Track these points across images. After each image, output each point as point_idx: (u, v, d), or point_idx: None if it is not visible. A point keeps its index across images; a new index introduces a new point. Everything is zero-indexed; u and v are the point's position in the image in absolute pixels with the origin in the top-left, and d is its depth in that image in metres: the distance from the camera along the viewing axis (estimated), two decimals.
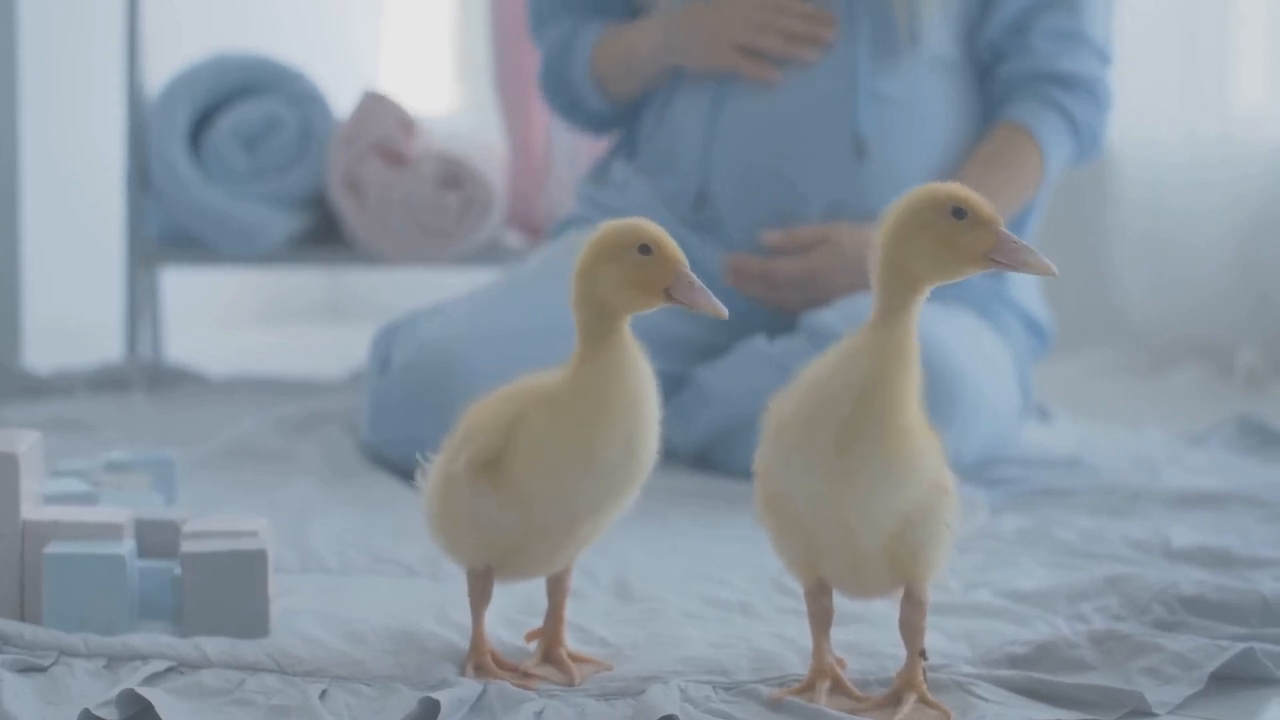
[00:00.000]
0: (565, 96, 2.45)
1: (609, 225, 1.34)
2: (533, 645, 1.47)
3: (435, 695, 1.31)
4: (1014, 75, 2.30)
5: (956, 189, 1.28)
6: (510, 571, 1.42)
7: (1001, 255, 1.26)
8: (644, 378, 1.35)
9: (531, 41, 2.49)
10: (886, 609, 1.49)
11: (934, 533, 1.32)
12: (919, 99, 2.27)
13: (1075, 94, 2.29)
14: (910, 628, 1.35)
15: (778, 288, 2.22)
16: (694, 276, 1.32)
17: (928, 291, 1.29)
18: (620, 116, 2.46)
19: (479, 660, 1.41)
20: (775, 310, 2.26)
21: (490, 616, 1.47)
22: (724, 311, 1.32)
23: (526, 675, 1.41)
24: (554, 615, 1.46)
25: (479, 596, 1.42)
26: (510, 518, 1.38)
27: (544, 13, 2.46)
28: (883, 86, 2.25)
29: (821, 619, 1.37)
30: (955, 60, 2.30)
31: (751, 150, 2.27)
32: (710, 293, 1.32)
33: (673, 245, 1.33)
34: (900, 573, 1.34)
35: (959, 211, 1.27)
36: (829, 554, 1.34)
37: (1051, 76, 2.29)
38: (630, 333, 1.35)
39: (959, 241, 1.27)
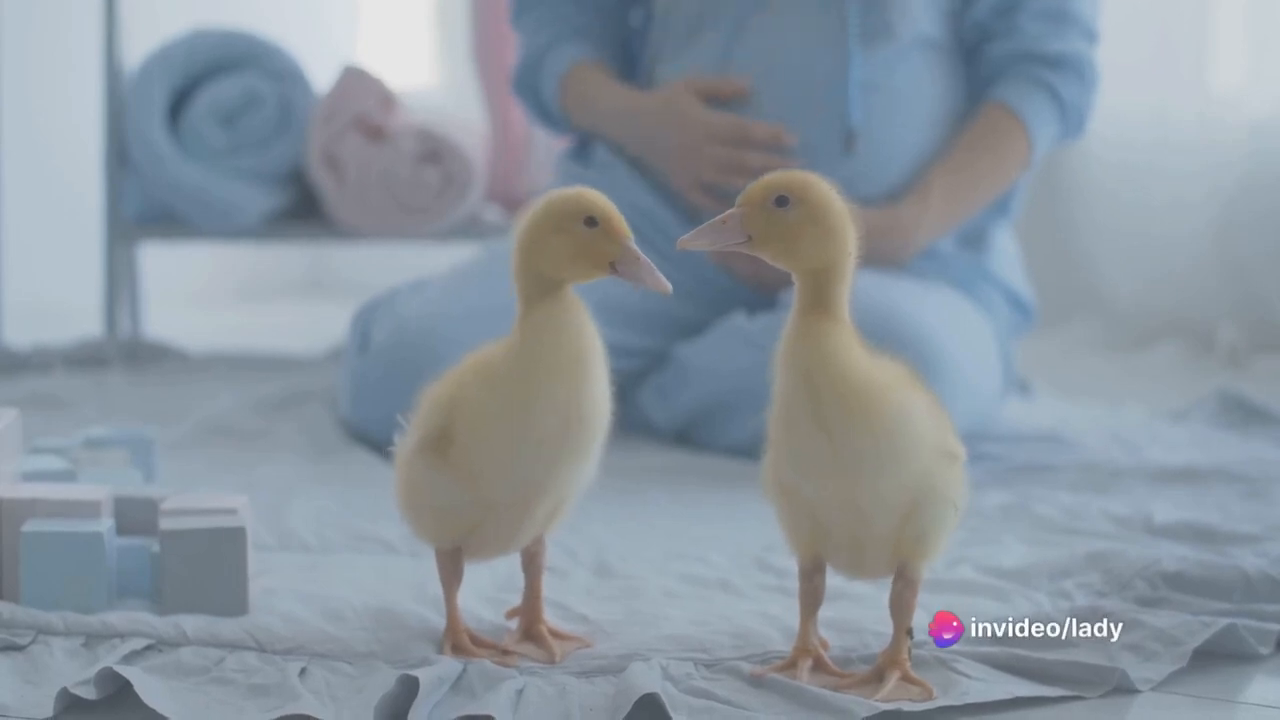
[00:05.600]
0: (535, 105, 2.43)
1: (554, 195, 1.34)
2: (513, 623, 1.47)
3: (414, 673, 1.31)
4: (1001, 56, 2.29)
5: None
6: (476, 551, 1.42)
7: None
8: (585, 343, 1.34)
9: (512, 28, 2.47)
10: (871, 587, 1.49)
11: (941, 515, 1.33)
12: (905, 83, 2.26)
13: (1063, 74, 2.28)
14: (901, 605, 1.35)
15: (764, 264, 2.20)
16: (639, 252, 1.32)
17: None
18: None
19: (456, 640, 1.41)
20: (759, 287, 2.25)
21: (469, 594, 1.47)
22: (668, 288, 1.32)
23: (506, 653, 1.40)
24: (531, 592, 1.45)
25: (450, 576, 1.42)
26: (465, 496, 1.37)
27: (527, 2, 2.43)
28: (871, 73, 2.24)
29: (811, 599, 1.37)
30: (940, 41, 2.29)
31: None
32: (655, 269, 1.32)
33: (619, 219, 1.33)
34: (902, 554, 1.33)
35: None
36: (835, 536, 1.34)
37: (1039, 57, 2.28)
38: (573, 298, 1.34)
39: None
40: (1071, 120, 2.31)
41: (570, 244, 1.32)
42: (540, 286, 1.33)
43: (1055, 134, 2.30)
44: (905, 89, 2.26)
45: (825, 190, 1.31)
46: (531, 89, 2.42)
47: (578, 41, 2.38)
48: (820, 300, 1.30)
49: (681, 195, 2.27)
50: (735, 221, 1.31)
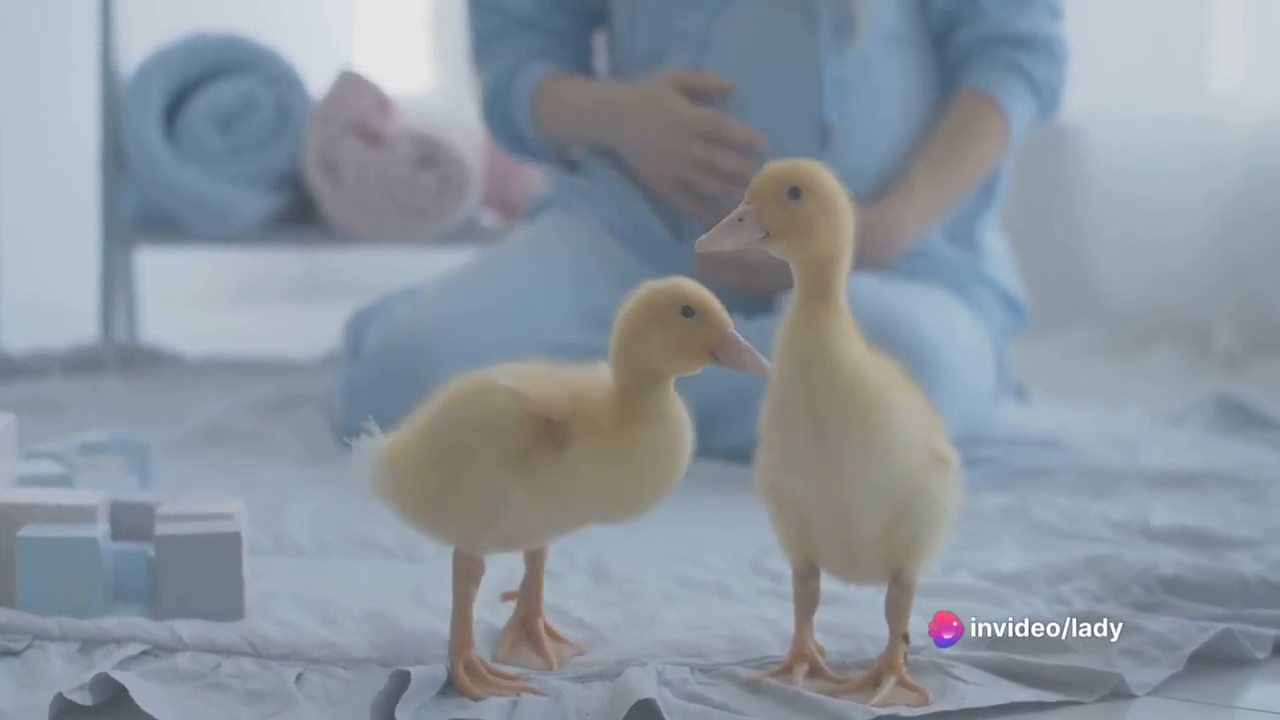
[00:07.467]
0: (508, 133, 2.41)
1: (652, 287, 1.30)
2: (508, 610, 1.46)
3: (407, 669, 1.30)
4: (969, 41, 2.30)
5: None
6: (503, 548, 1.39)
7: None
8: (687, 433, 1.31)
9: (475, 64, 2.46)
10: (867, 591, 1.48)
11: (931, 520, 1.33)
12: (876, 79, 2.26)
13: (1032, 53, 2.29)
14: (896, 609, 1.35)
15: (752, 272, 2.21)
16: (740, 338, 1.29)
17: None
18: (568, 151, 2.43)
19: (466, 660, 1.36)
20: (750, 294, 2.25)
21: None
22: (769, 369, 1.29)
23: (512, 679, 1.37)
24: (532, 582, 1.44)
25: (465, 578, 1.37)
26: (538, 515, 1.34)
27: (487, 36, 2.42)
28: (843, 72, 2.24)
29: (806, 603, 1.37)
30: (905, 34, 2.29)
31: None
32: (756, 352, 1.29)
33: (717, 306, 1.29)
34: (895, 559, 1.33)
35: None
36: (825, 538, 1.34)
37: (1007, 38, 2.28)
38: (674, 393, 1.31)
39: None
40: (1046, 99, 2.31)
41: (670, 336, 1.28)
42: (641, 378, 1.30)
43: (1031, 114, 2.31)
44: (876, 84, 2.26)
45: (830, 177, 1.31)
46: (501, 115, 2.40)
47: (545, 59, 2.37)
48: (823, 290, 1.30)
49: (656, 190, 2.26)
50: (752, 218, 1.29)
